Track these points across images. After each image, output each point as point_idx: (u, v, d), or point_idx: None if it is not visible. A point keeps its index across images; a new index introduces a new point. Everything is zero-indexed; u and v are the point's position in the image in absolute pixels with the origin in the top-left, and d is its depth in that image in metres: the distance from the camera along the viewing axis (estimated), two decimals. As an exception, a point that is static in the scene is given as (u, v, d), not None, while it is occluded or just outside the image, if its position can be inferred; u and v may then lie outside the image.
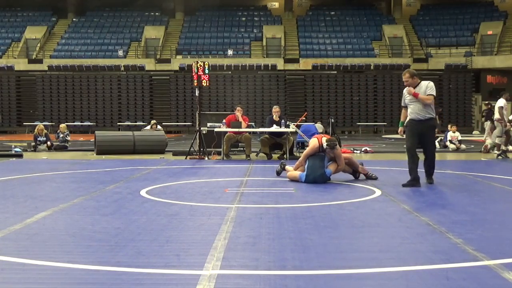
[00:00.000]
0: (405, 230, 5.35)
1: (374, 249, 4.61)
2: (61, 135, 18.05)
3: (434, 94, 8.49)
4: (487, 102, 22.06)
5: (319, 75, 35.63)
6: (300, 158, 9.54)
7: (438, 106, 16.33)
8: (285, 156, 13.78)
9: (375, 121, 35.35)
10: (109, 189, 8.24)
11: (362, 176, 9.58)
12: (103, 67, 35.81)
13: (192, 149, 14.33)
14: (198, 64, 14.53)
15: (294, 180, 9.21)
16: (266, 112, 32.16)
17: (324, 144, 9.06)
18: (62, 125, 18.83)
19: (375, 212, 6.40)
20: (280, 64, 35.99)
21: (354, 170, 9.60)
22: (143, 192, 7.85)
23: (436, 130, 8.91)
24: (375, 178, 9.49)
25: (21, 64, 36.46)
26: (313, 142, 9.28)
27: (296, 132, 14.78)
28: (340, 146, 11.82)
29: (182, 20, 41.49)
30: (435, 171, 8.96)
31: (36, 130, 17.83)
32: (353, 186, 8.78)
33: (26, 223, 5.62)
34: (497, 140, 14.98)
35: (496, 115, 15.03)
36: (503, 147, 14.74)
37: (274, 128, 13.86)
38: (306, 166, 9.19)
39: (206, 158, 13.89)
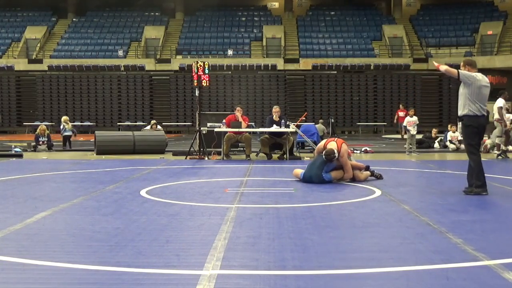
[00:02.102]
0: (405, 230, 5.35)
1: (374, 249, 4.61)
2: (65, 126, 18.21)
3: (467, 80, 7.56)
4: None
5: (319, 75, 35.62)
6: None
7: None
8: (285, 156, 13.79)
9: (375, 121, 35.33)
10: (109, 189, 8.24)
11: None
12: (103, 67, 35.79)
13: (192, 149, 14.33)
14: (198, 64, 14.53)
15: (296, 177, 9.31)
16: (266, 112, 32.14)
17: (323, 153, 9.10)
18: (65, 117, 19.06)
19: (375, 212, 6.40)
20: (280, 64, 35.97)
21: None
22: (143, 192, 7.85)
23: (470, 129, 7.63)
24: (381, 178, 9.55)
25: (21, 64, 36.44)
26: (320, 143, 9.44)
27: (296, 132, 14.79)
28: None
29: (182, 20, 41.48)
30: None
31: (38, 130, 17.85)
32: (353, 186, 8.78)
33: (26, 223, 5.62)
34: (497, 140, 14.97)
35: (496, 116, 15.02)
36: (503, 147, 14.74)
37: (274, 128, 13.86)
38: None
39: (206, 158, 13.89)
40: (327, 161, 9.00)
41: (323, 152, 9.10)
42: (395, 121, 27.58)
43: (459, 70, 7.65)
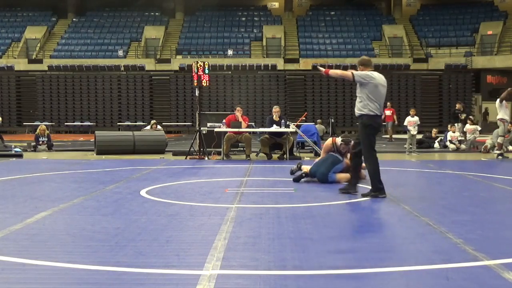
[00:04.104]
0: (405, 230, 5.35)
1: (374, 249, 4.60)
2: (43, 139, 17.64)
3: (363, 80, 7.35)
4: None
5: (319, 75, 35.58)
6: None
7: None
8: (285, 156, 13.78)
9: (375, 121, 35.29)
10: (109, 189, 8.23)
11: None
12: (103, 67, 35.79)
13: (192, 149, 14.33)
14: (198, 64, 14.53)
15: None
16: (266, 112, 32.12)
17: (339, 140, 9.07)
18: (43, 127, 18.06)
19: (375, 212, 6.40)
20: (280, 64, 35.97)
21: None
22: (143, 192, 7.85)
23: (370, 129, 7.41)
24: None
25: (21, 64, 36.45)
26: (328, 141, 9.40)
27: (296, 132, 14.78)
28: None
29: (182, 20, 41.48)
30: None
31: (38, 130, 17.83)
32: (353, 186, 8.76)
33: (26, 223, 5.62)
34: (499, 140, 14.96)
35: (499, 115, 15.01)
36: (505, 147, 14.72)
37: (274, 128, 13.86)
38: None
39: (206, 158, 13.89)
40: (345, 144, 8.98)
41: (340, 137, 9.13)
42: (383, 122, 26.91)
43: (353, 71, 7.48)
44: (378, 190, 7.33)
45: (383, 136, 25.43)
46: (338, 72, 7.77)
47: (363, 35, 38.66)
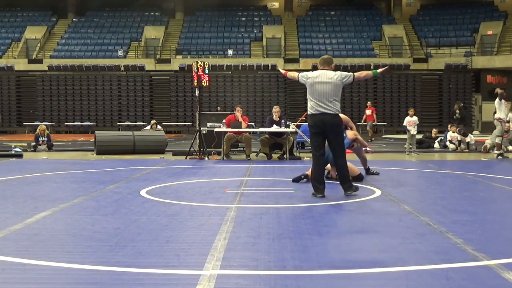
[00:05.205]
0: (405, 230, 5.35)
1: (374, 249, 4.60)
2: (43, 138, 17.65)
3: (302, 80, 7.57)
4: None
5: (319, 75, 35.54)
6: None
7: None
8: (285, 156, 13.79)
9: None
10: (109, 189, 8.24)
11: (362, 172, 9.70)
12: (103, 67, 35.78)
13: (192, 149, 14.34)
14: (198, 64, 14.54)
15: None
16: (266, 112, 32.12)
17: None
18: (42, 127, 18.06)
19: (375, 212, 6.39)
20: (280, 64, 35.92)
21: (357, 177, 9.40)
22: (143, 192, 7.85)
23: (310, 128, 7.58)
24: (377, 174, 9.72)
25: (21, 64, 36.43)
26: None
27: (296, 132, 14.79)
28: None
29: (182, 20, 41.47)
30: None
31: (38, 130, 17.83)
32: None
33: (26, 223, 5.62)
34: (497, 140, 14.97)
35: (497, 115, 15.02)
36: (505, 147, 14.71)
37: (274, 128, 13.87)
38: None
39: (206, 158, 13.89)
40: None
41: None
42: (363, 121, 26.12)
43: (300, 73, 7.73)
44: (314, 189, 7.43)
45: (384, 136, 25.39)
46: (291, 73, 8.06)
47: (363, 35, 38.65)
